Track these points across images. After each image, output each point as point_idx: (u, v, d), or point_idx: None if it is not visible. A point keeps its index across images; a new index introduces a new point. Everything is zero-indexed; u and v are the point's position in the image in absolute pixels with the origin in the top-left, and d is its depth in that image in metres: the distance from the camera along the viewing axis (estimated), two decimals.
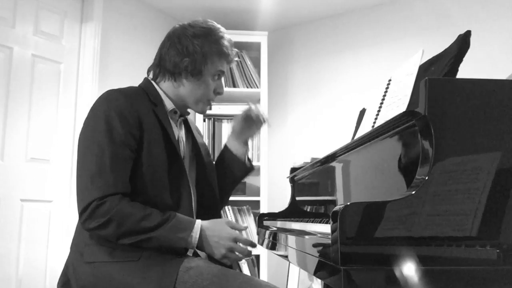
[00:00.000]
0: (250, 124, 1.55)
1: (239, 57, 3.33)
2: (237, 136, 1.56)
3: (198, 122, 3.16)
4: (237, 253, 1.27)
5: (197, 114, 3.16)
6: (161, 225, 1.20)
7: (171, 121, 1.40)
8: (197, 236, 1.24)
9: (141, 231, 1.19)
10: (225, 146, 1.58)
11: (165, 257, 1.21)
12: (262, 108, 1.56)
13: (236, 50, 1.47)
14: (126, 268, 1.18)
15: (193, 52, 1.36)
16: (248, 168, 1.59)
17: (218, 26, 1.43)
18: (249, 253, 1.29)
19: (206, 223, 1.27)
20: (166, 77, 1.40)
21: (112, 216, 1.17)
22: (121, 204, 1.19)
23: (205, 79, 1.39)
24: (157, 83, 1.41)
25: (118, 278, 1.17)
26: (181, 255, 1.25)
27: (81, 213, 1.20)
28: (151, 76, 1.44)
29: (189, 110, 1.50)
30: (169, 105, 1.40)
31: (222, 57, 1.40)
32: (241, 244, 1.28)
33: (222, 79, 1.46)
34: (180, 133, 1.45)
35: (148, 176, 1.26)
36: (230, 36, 1.45)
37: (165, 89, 1.40)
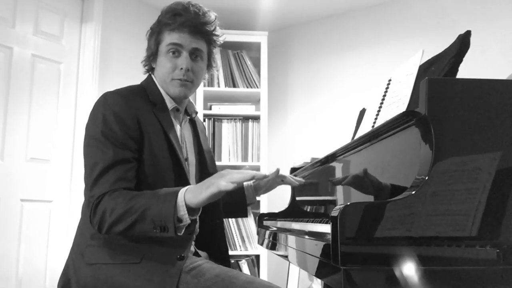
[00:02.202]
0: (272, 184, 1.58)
1: (238, 56, 3.33)
2: (256, 186, 1.60)
3: None
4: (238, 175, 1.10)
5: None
6: (149, 196, 1.15)
7: (174, 120, 1.39)
8: (184, 191, 1.12)
9: (133, 210, 1.13)
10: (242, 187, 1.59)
11: (167, 259, 1.20)
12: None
13: (211, 16, 1.37)
14: (127, 271, 1.18)
15: (149, 38, 1.40)
16: (246, 215, 1.64)
17: (179, 2, 1.35)
18: (252, 176, 1.10)
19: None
20: (153, 70, 1.42)
21: (104, 208, 1.16)
22: (115, 194, 1.17)
23: (159, 58, 1.37)
24: (155, 77, 1.41)
25: (119, 280, 1.17)
26: (182, 254, 1.23)
27: (88, 217, 1.20)
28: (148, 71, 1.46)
29: (196, 109, 1.51)
30: (170, 103, 1.38)
31: (172, 28, 1.33)
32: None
33: (185, 53, 1.34)
34: (184, 133, 1.44)
35: (152, 177, 1.26)
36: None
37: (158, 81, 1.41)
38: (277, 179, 1.52)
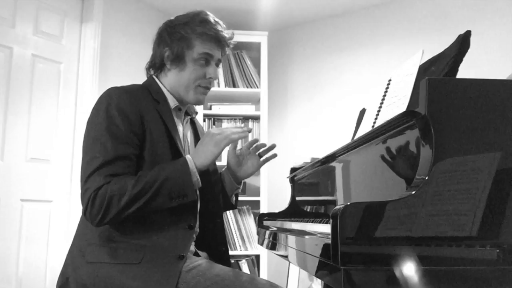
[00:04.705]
0: (244, 163, 1.52)
1: (238, 56, 3.33)
2: (232, 172, 1.52)
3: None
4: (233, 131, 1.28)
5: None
6: (159, 172, 1.20)
7: (176, 119, 1.39)
8: (191, 157, 1.25)
9: (145, 189, 1.17)
10: (220, 174, 1.55)
11: (167, 259, 1.20)
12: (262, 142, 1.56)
13: (231, 31, 1.41)
14: (127, 271, 1.18)
15: (172, 40, 1.37)
16: (232, 206, 1.57)
17: (205, 12, 1.39)
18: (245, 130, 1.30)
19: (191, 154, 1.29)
20: (159, 71, 1.41)
21: (110, 195, 1.16)
22: (115, 180, 1.18)
23: (187, 64, 1.36)
24: (159, 79, 1.41)
25: (118, 280, 1.17)
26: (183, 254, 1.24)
27: (84, 210, 1.19)
28: (152, 72, 1.45)
29: (196, 109, 1.51)
30: (172, 102, 1.39)
31: (205, 39, 1.35)
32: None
33: (213, 63, 1.39)
34: (185, 132, 1.44)
35: None
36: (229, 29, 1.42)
37: (165, 83, 1.40)
38: (248, 151, 1.52)
